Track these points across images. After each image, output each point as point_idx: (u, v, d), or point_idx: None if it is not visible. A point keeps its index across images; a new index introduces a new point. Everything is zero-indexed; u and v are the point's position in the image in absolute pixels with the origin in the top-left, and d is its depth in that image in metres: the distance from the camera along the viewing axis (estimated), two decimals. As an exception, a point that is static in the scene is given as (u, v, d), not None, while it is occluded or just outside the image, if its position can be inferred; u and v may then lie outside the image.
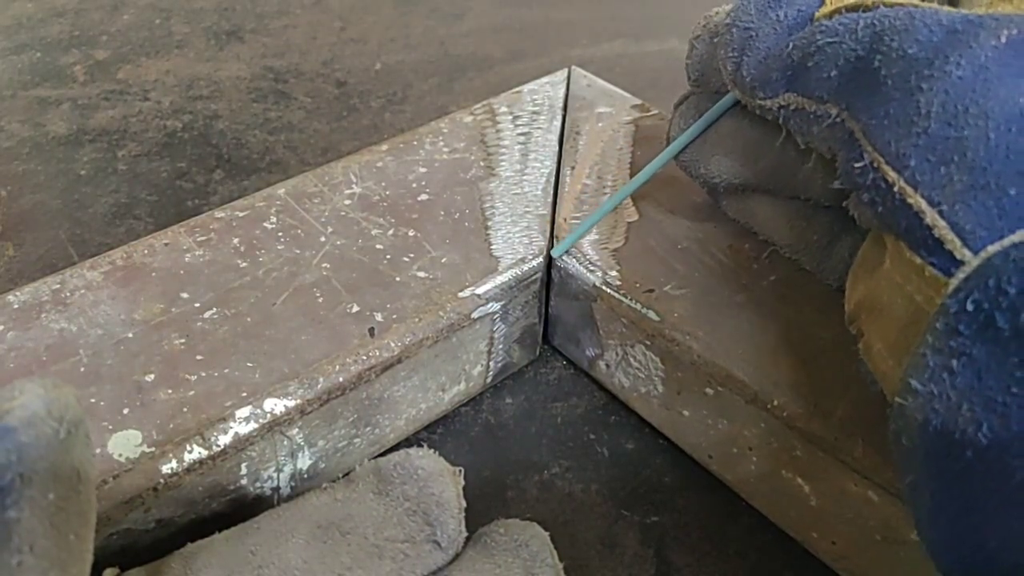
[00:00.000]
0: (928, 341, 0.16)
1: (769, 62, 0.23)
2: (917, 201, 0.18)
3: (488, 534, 0.21)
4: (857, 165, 0.20)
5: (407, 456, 0.21)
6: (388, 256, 0.28)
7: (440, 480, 0.21)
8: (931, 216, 0.18)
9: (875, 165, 0.20)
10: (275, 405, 0.23)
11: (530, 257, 0.28)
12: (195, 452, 0.22)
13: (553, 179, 0.32)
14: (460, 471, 0.21)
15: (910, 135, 0.19)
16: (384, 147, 0.33)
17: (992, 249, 0.16)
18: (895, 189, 0.19)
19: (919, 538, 0.18)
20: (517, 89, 0.37)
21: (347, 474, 0.21)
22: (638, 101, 0.36)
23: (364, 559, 0.19)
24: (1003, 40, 0.19)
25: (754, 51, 0.23)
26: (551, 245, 0.29)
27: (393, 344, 0.25)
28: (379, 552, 0.19)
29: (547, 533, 0.21)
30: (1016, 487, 0.15)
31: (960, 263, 0.17)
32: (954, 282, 0.16)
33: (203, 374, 0.24)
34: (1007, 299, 0.15)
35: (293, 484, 0.25)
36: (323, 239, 0.28)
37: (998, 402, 0.15)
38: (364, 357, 0.25)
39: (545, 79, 0.37)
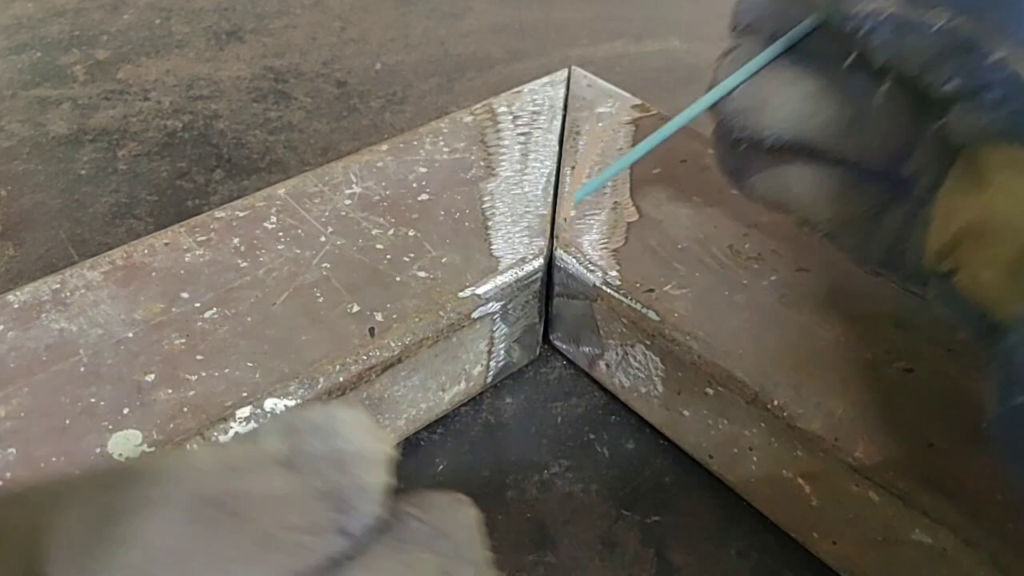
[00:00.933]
0: None
1: None
2: None
3: (405, 520, 0.16)
4: (987, 62, 0.19)
5: (331, 418, 0.15)
6: (388, 256, 0.28)
7: (366, 460, 0.15)
8: None
9: (1006, 62, 0.18)
10: (275, 405, 0.23)
11: (530, 257, 0.28)
12: (195, 452, 0.22)
13: (553, 179, 0.32)
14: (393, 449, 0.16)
15: None
16: (384, 147, 0.33)
17: None
18: None
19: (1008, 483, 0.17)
20: (517, 89, 0.37)
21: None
22: (638, 101, 0.36)
23: (252, 549, 0.14)
24: None
25: None
26: (551, 245, 0.29)
27: (393, 344, 0.25)
28: (273, 543, 0.15)
29: (478, 512, 0.16)
30: None
31: None
32: None
33: (203, 374, 0.24)
34: None
35: (293, 484, 0.25)
36: (323, 239, 0.28)
37: None
38: (364, 357, 0.25)
39: (545, 79, 0.37)
